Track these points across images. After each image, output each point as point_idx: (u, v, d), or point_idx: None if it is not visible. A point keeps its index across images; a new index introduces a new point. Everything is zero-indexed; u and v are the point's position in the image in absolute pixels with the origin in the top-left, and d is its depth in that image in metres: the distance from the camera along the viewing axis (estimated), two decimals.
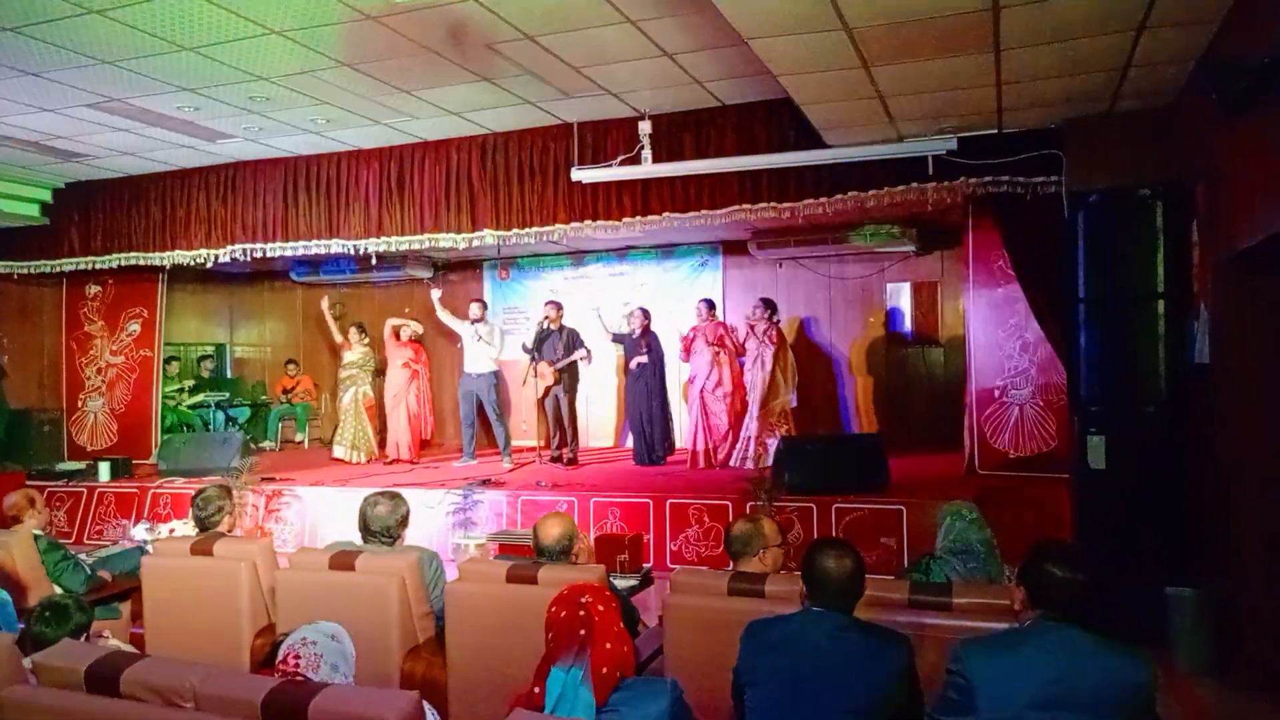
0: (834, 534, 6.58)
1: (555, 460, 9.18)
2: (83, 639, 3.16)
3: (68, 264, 8.87)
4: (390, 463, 9.71)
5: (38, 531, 4.58)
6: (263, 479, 8.32)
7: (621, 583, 4.56)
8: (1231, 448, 4.75)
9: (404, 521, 3.90)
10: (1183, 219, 5.35)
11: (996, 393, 7.88)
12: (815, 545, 2.65)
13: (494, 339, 9.34)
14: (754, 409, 8.74)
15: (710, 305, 9.33)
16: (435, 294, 9.73)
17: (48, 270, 9.06)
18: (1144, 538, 5.30)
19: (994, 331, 7.92)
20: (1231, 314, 4.69)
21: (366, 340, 10.24)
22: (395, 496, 3.94)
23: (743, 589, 3.15)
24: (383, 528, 3.83)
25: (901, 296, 10.30)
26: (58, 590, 4.33)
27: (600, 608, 2.07)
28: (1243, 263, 4.47)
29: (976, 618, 2.93)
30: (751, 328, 8.96)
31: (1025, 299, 6.98)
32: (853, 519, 6.63)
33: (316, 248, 7.90)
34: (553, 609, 2.14)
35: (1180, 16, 4.39)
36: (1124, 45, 4.77)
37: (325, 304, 10.27)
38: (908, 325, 10.34)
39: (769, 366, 8.76)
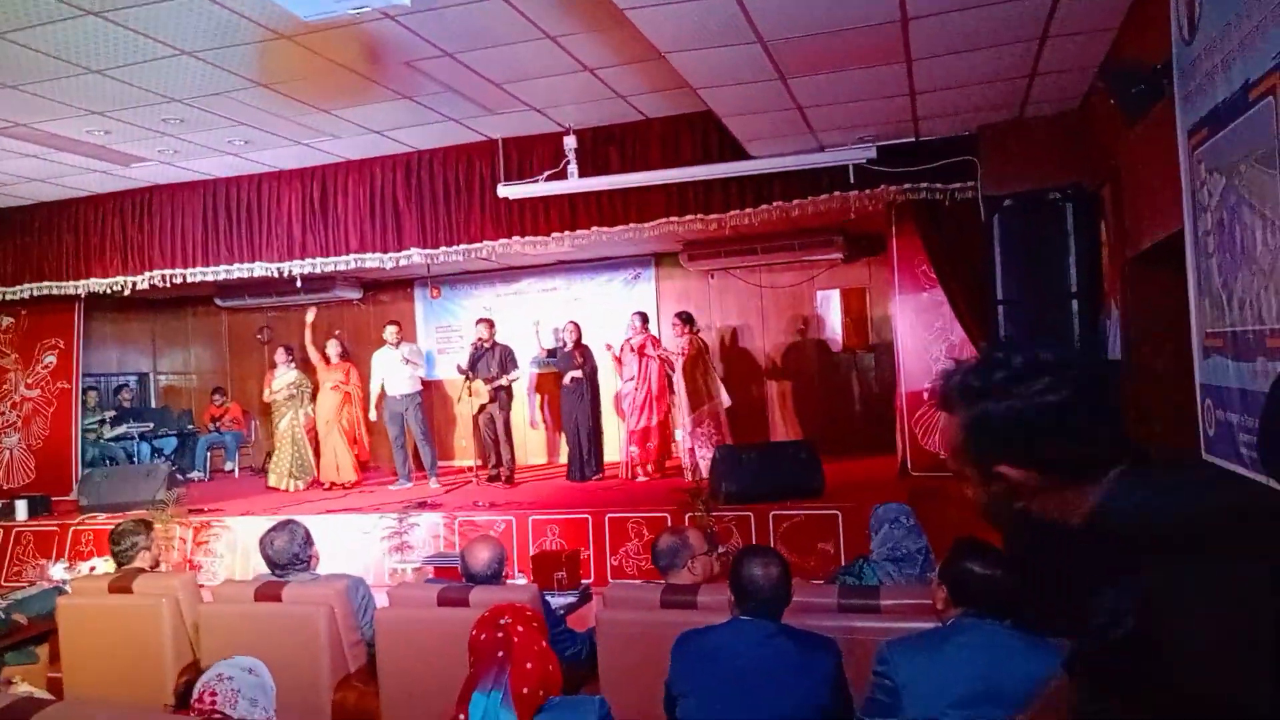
0: (772, 541, 6.63)
1: (492, 479, 9.09)
2: None
3: None
4: (329, 488, 9.51)
5: None
6: (190, 511, 8.08)
7: (560, 600, 4.53)
8: (1142, 441, 4.90)
9: (308, 540, 3.83)
10: (1092, 220, 5.54)
11: (926, 395, 8.02)
12: (742, 554, 2.66)
13: (417, 359, 9.26)
14: (684, 418, 8.77)
15: (644, 318, 9.36)
16: (309, 315, 9.62)
17: None
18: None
19: (921, 335, 8.07)
20: (1138, 311, 4.86)
21: (293, 364, 10.02)
22: (286, 524, 3.88)
23: (675, 601, 3.16)
24: (291, 558, 3.75)
25: (831, 303, 10.46)
26: None
27: (520, 628, 2.05)
28: (1146, 261, 4.64)
29: (906, 619, 2.98)
30: (674, 340, 9.05)
31: (948, 302, 7.15)
32: (790, 525, 6.68)
33: (238, 271, 7.74)
34: (474, 632, 2.12)
35: (1078, 26, 4.55)
36: (1028, 54, 4.93)
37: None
38: (838, 331, 10.49)
39: (690, 376, 8.81)
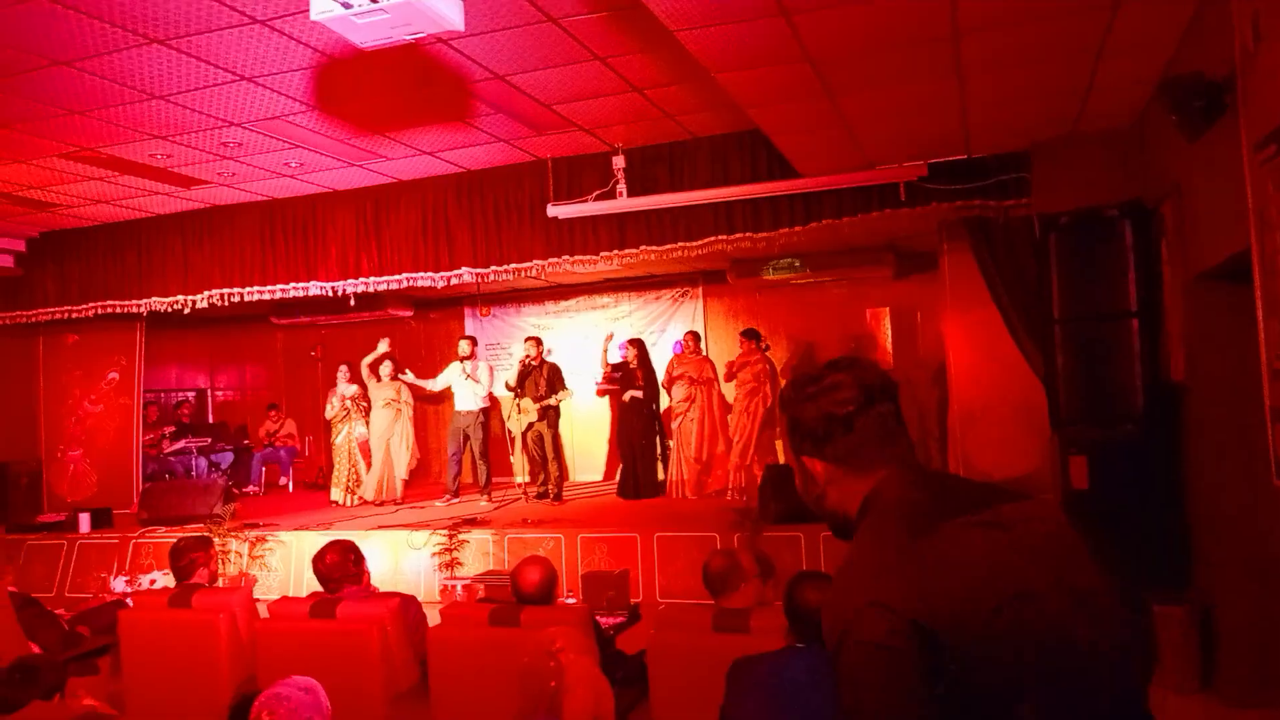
0: (822, 564, 6.56)
1: (540, 497, 9.13)
2: (55, 699, 3.09)
3: (43, 314, 8.80)
4: (381, 503, 9.63)
5: (12, 589, 4.51)
6: (245, 525, 8.23)
7: (609, 620, 4.52)
8: (1206, 463, 4.77)
9: (358, 556, 3.88)
10: (1151, 238, 5.41)
11: (979, 413, 7.89)
12: (795, 579, 2.64)
13: (481, 376, 9.34)
14: (747, 438, 8.71)
15: (696, 337, 9.37)
16: (383, 345, 9.76)
17: (24, 321, 8.98)
18: (1130, 556, 5.30)
19: (973, 354, 7.94)
20: (1202, 331, 4.73)
21: (351, 380, 10.19)
22: (337, 542, 3.93)
23: (727, 625, 3.13)
24: (343, 575, 3.80)
25: (881, 321, 10.35)
26: (35, 649, 4.26)
27: (571, 654, 2.05)
28: (1210, 280, 4.52)
29: None
30: (743, 359, 8.98)
31: (1002, 320, 7.02)
32: (840, 547, 6.59)
33: (294, 291, 7.89)
34: (525, 659, 2.12)
35: (1135, 39, 4.47)
36: (1084, 69, 4.85)
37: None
38: (889, 350, 10.37)
39: (768, 399, 8.75)
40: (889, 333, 10.32)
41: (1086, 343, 5.49)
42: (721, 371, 9.20)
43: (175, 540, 4.48)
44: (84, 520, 8.78)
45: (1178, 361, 5.10)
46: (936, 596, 1.35)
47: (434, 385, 9.64)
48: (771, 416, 8.74)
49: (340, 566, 3.76)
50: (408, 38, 3.52)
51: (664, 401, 9.45)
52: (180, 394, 12.24)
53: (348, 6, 3.21)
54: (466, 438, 9.28)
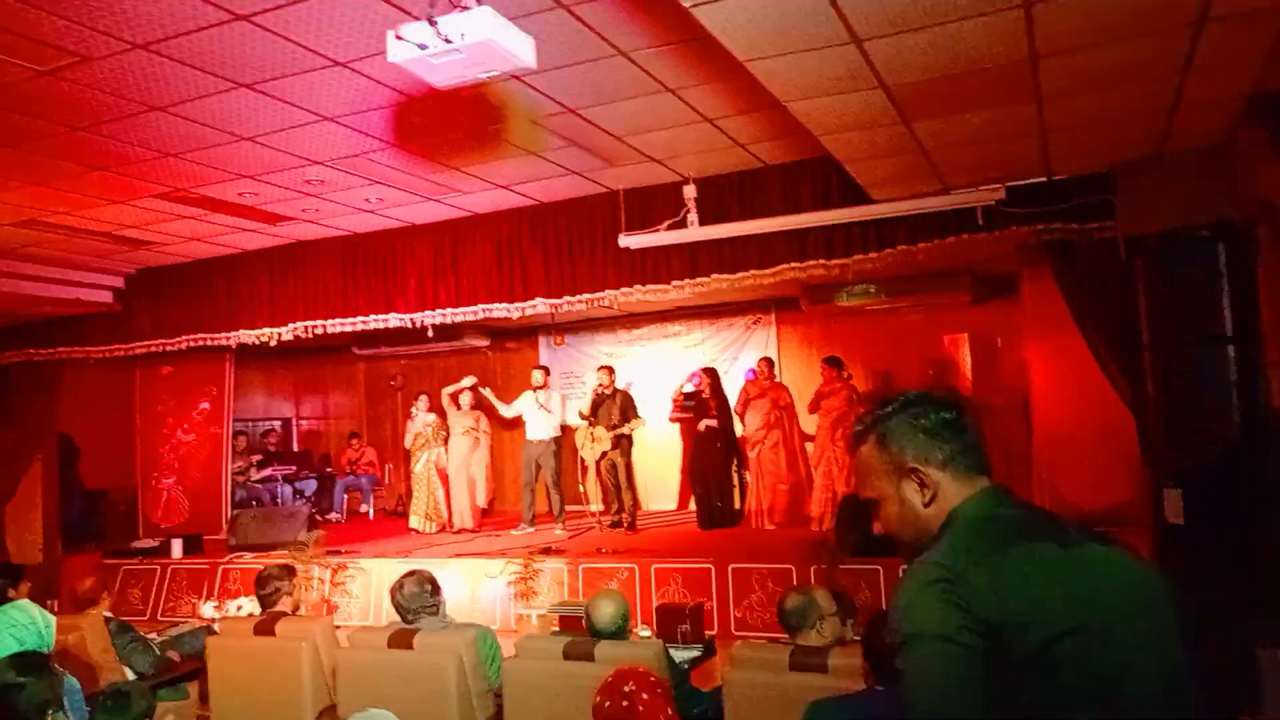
0: None
1: (615, 526, 9.13)
2: None
3: (139, 347, 9.18)
4: (457, 531, 9.76)
5: (108, 614, 4.68)
6: (328, 552, 8.41)
7: (683, 654, 4.48)
8: None
9: (435, 588, 3.91)
10: (1246, 259, 5.19)
11: (1064, 443, 7.65)
12: (876, 618, 2.57)
13: (554, 406, 9.42)
14: (835, 465, 8.58)
15: (769, 364, 9.30)
16: (468, 380, 9.92)
17: (122, 354, 9.38)
18: (1230, 595, 5.04)
19: (1057, 380, 7.72)
20: None
21: (429, 409, 10.39)
22: (414, 573, 3.97)
23: (805, 663, 3.07)
24: (420, 606, 3.84)
25: (959, 347, 10.12)
26: (128, 672, 4.41)
27: (645, 695, 2.03)
28: None
29: None
30: (827, 386, 8.87)
31: (1087, 346, 6.81)
32: None
33: (374, 322, 8.08)
34: (597, 698, 2.10)
35: (1223, 56, 4.31)
36: (1168, 89, 4.69)
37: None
38: (967, 376, 10.13)
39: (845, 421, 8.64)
40: (968, 359, 10.09)
41: (1178, 369, 5.28)
42: (805, 400, 9.10)
43: (261, 567, 4.60)
44: (176, 546, 9.09)
45: (1278, 388, 4.87)
46: (1009, 605, 1.40)
47: (507, 410, 9.75)
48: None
49: (417, 597, 3.81)
50: (482, 76, 3.59)
51: (737, 429, 9.39)
52: (267, 423, 12.62)
53: (424, 48, 3.29)
54: (539, 467, 9.36)
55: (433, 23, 3.29)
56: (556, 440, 9.46)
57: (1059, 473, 7.63)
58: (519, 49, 3.42)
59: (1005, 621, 1.40)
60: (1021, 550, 1.47)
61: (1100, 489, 7.50)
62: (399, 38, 3.36)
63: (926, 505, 1.61)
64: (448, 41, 3.28)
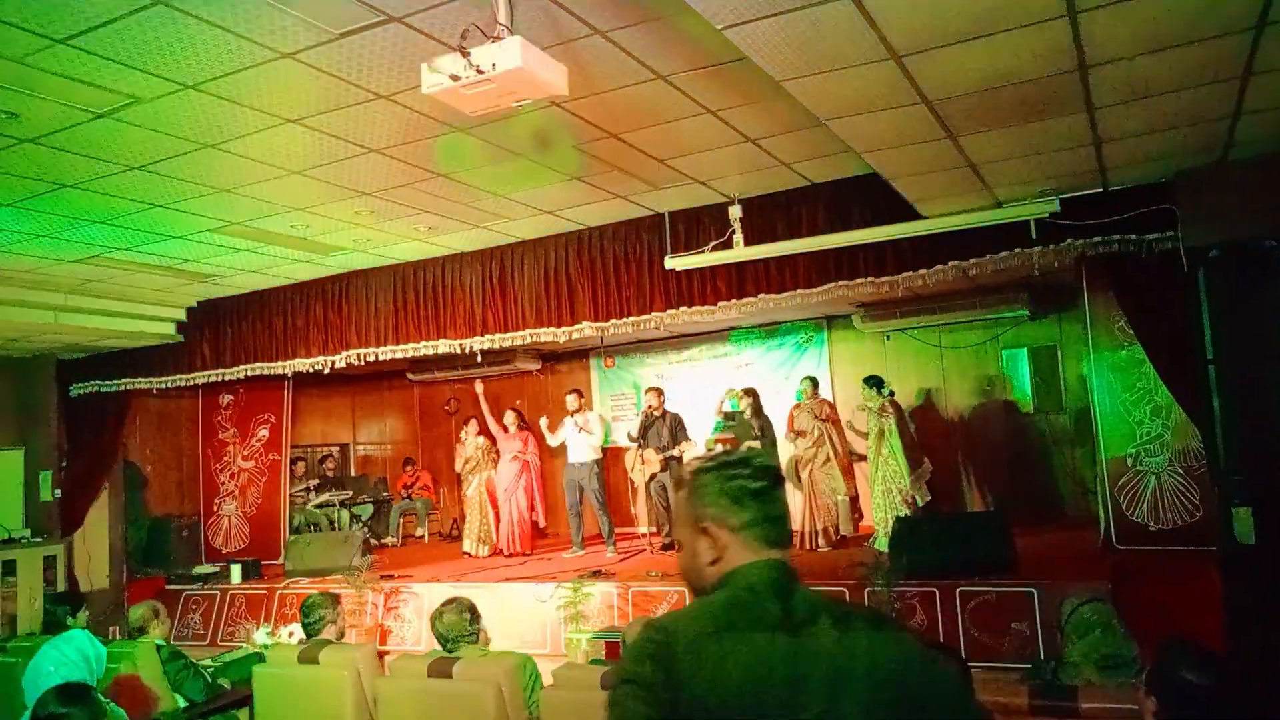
0: (959, 619, 6.23)
1: (666, 548, 9.06)
2: None
3: (200, 377, 9.41)
4: (509, 555, 9.79)
5: (160, 641, 4.76)
6: (382, 576, 8.49)
7: None
8: None
9: (475, 616, 3.90)
10: None
11: (1129, 461, 7.38)
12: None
13: (593, 428, 9.41)
14: (885, 485, 8.42)
15: (814, 383, 9.17)
16: (478, 387, 9.98)
17: (184, 384, 9.62)
18: None
19: (1121, 396, 7.47)
20: None
21: (479, 433, 10.47)
22: (453, 600, 3.97)
23: None
24: (460, 634, 3.83)
25: (1018, 363, 9.88)
26: (180, 700, 4.47)
27: None
28: None
29: None
30: (877, 407, 8.73)
31: (1150, 360, 6.58)
32: (979, 603, 6.26)
33: (425, 349, 8.16)
34: None
35: None
36: (1228, 94, 4.53)
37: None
38: (1028, 392, 9.88)
39: (891, 444, 8.46)
40: (1028, 374, 9.84)
41: (1245, 384, 5.07)
42: (844, 417, 8.97)
43: (305, 598, 4.64)
44: (235, 571, 9.26)
45: None
46: (697, 683, 1.55)
47: (553, 440, 9.76)
48: (897, 469, 8.40)
49: (456, 626, 3.80)
50: (515, 105, 3.61)
51: (786, 450, 9.26)
52: (325, 448, 12.83)
53: (456, 79, 3.32)
54: (582, 489, 9.35)
55: (465, 54, 3.32)
56: (598, 462, 9.44)
57: (1125, 491, 7.36)
58: (550, 76, 3.43)
59: (691, 696, 1.54)
60: (735, 637, 1.58)
61: (1170, 509, 7.22)
62: (432, 69, 3.40)
63: (711, 563, 1.71)
64: (480, 72, 3.30)
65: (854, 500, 8.91)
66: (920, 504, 8.26)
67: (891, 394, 8.75)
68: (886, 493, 8.37)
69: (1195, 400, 5.72)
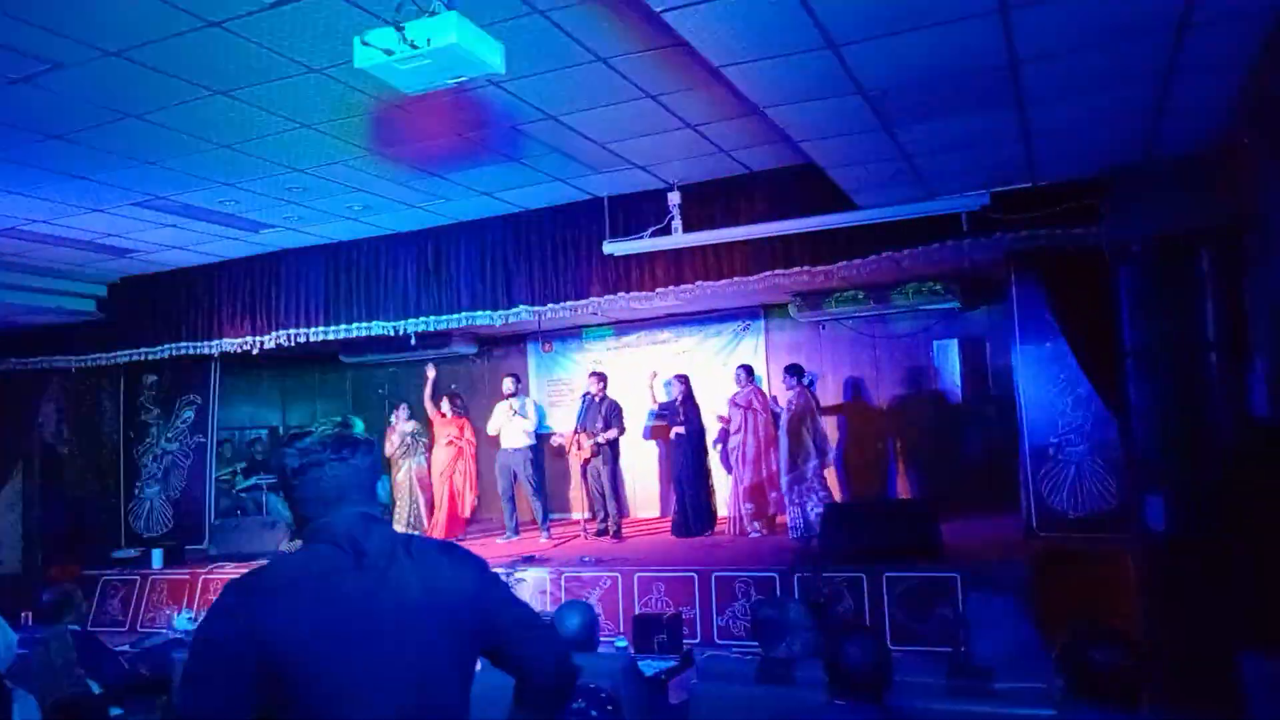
0: (886, 604, 6.36)
1: (600, 534, 9.07)
2: None
3: (122, 356, 9.10)
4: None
5: (75, 627, 4.61)
6: None
7: (658, 665, 4.41)
8: None
9: None
10: (1232, 267, 5.16)
11: (1051, 450, 7.60)
12: (838, 632, 2.52)
13: (529, 413, 9.36)
14: (783, 475, 8.54)
15: (748, 371, 9.25)
16: (430, 372, 9.94)
17: (105, 363, 9.30)
18: (1214, 602, 5.00)
19: (1045, 387, 7.67)
20: None
21: (410, 417, 10.33)
22: None
23: (772, 675, 3.01)
24: None
25: (948, 354, 10.08)
26: (94, 687, 4.33)
27: (594, 713, 1.98)
28: None
29: (1022, 704, 2.75)
30: (784, 394, 8.86)
31: (1073, 352, 6.77)
32: (905, 589, 6.39)
33: (357, 331, 8.02)
34: None
35: (1210, 59, 4.28)
36: (1154, 93, 4.66)
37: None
38: (956, 383, 10.10)
39: (795, 431, 8.58)
40: (957, 365, 10.05)
41: (1161, 376, 5.25)
42: (763, 403, 9.08)
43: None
44: (157, 556, 9.02)
45: (1264, 397, 4.83)
46: (280, 630, 1.71)
47: (490, 430, 9.67)
48: (805, 449, 8.52)
49: None
50: (451, 83, 3.55)
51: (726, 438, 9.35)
52: (253, 431, 12.54)
53: (390, 54, 3.25)
54: (515, 475, 9.30)
55: (399, 28, 3.25)
56: (533, 448, 9.39)
57: (1047, 479, 7.57)
58: (487, 55, 3.38)
59: (273, 645, 1.68)
60: (311, 582, 1.78)
61: (1088, 496, 7.45)
62: (365, 43, 3.32)
63: (303, 522, 1.93)
64: (414, 47, 3.23)
65: (764, 484, 8.98)
66: (798, 506, 8.39)
67: (810, 382, 8.89)
68: (795, 480, 8.50)
69: (1113, 391, 5.91)
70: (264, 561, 1.94)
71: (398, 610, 1.79)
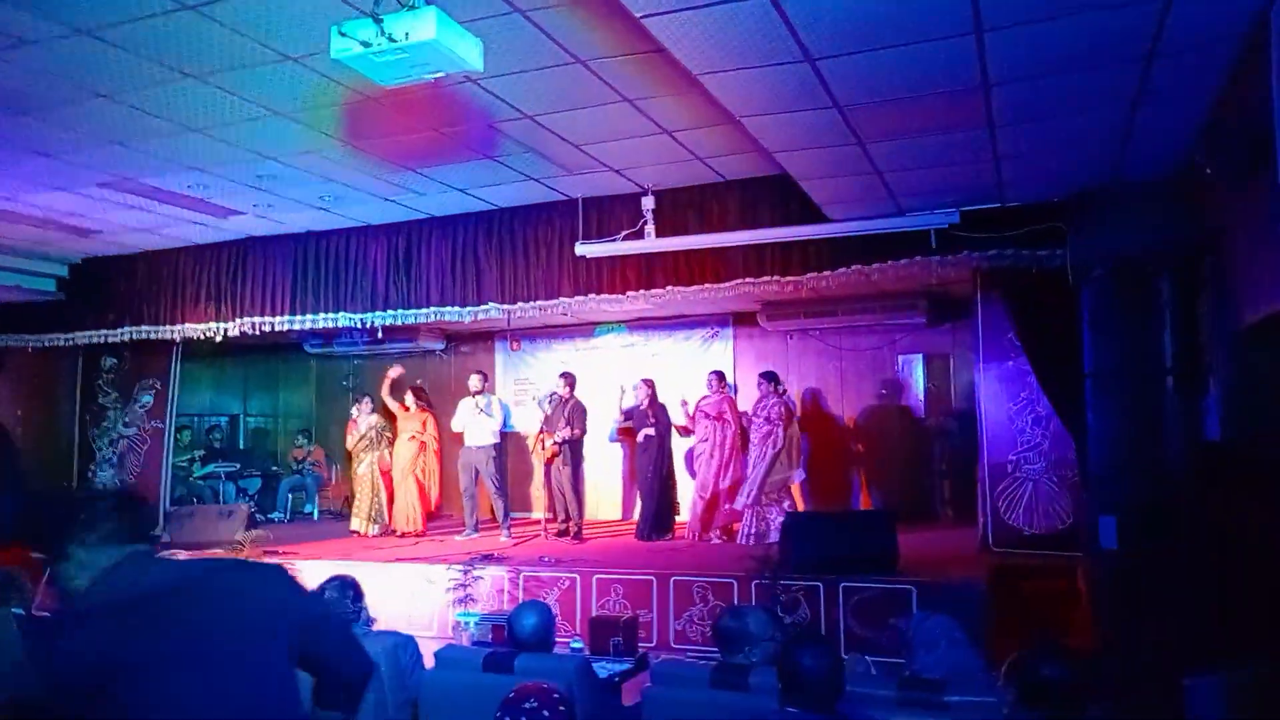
0: (842, 614, 6.40)
1: (561, 534, 9.05)
2: None
3: (81, 337, 8.95)
4: (401, 535, 9.63)
5: (19, 610, 4.51)
6: (265, 552, 8.24)
7: (614, 667, 4.42)
8: (1252, 529, 4.58)
9: (358, 594, 3.83)
10: (1190, 292, 5.27)
11: (1010, 467, 7.71)
12: (791, 642, 2.54)
13: (493, 411, 9.32)
14: (753, 483, 8.57)
15: (720, 377, 9.28)
16: (393, 372, 9.85)
17: (63, 344, 9.14)
18: (1162, 621, 5.10)
19: (1006, 405, 7.79)
20: (1244, 389, 4.58)
21: (373, 410, 10.26)
22: (334, 578, 3.89)
23: (725, 681, 3.03)
24: (340, 613, 3.75)
25: (913, 368, 10.20)
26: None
27: (546, 713, 1.98)
28: (1254, 337, 4.38)
29: (972, 715, 2.79)
30: (759, 402, 8.89)
31: (1033, 372, 6.88)
32: (861, 599, 6.44)
33: (324, 321, 7.95)
34: (498, 714, 2.05)
35: (1175, 88, 4.37)
36: (1120, 118, 4.75)
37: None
38: (919, 398, 10.21)
39: (779, 442, 8.62)
40: (921, 380, 10.17)
41: (1119, 398, 5.35)
42: (735, 411, 9.12)
43: None
44: None
45: (1218, 421, 4.94)
46: (86, 668, 1.77)
47: (455, 426, 9.61)
48: (782, 459, 8.59)
49: (338, 604, 3.71)
50: (428, 77, 3.54)
51: (683, 443, 9.38)
52: (213, 418, 12.38)
53: (366, 45, 3.23)
54: (477, 473, 9.26)
55: (377, 20, 3.23)
56: (497, 446, 9.35)
57: (1004, 496, 7.68)
58: (465, 51, 3.37)
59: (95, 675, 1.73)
60: (99, 622, 1.83)
61: (1044, 514, 7.56)
62: (343, 34, 3.30)
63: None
64: (392, 40, 3.22)
65: (728, 491, 9.01)
66: (761, 513, 8.45)
67: (784, 390, 8.95)
68: (751, 486, 8.56)
69: (1072, 412, 6.00)
70: (219, 551, 1.93)
71: (190, 630, 1.88)
